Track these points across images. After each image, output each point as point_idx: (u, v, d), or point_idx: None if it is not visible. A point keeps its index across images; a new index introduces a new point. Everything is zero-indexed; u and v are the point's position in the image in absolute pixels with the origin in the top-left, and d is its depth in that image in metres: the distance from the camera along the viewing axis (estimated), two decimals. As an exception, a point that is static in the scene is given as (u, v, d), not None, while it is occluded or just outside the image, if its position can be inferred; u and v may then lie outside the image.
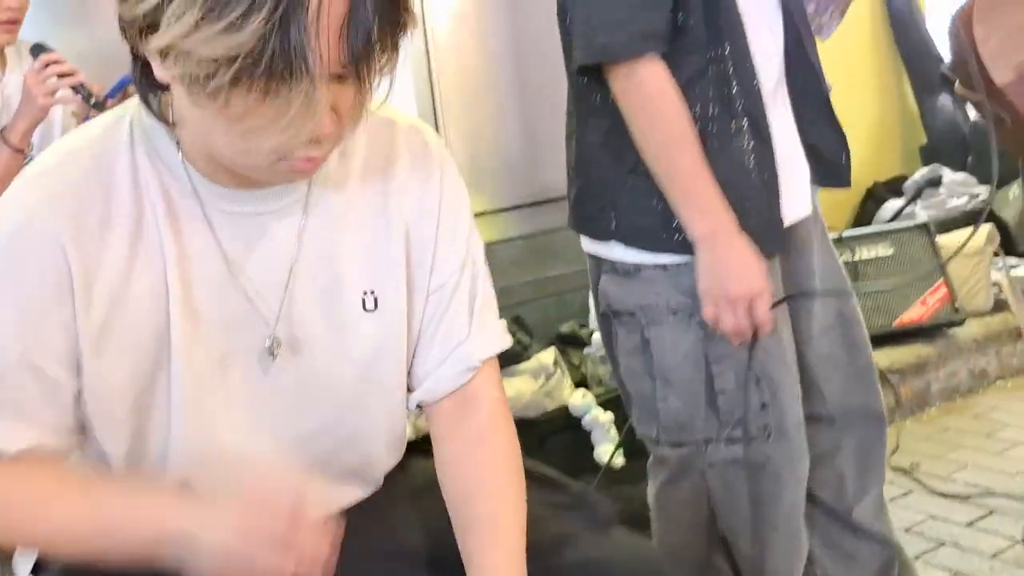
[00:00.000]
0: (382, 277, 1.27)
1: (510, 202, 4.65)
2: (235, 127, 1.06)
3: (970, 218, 4.24)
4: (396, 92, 3.26)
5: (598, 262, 1.98)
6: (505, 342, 1.36)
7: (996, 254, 3.95)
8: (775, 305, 1.86)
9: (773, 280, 1.89)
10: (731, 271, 1.80)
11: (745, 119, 1.83)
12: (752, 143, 1.84)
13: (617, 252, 1.92)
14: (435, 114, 4.56)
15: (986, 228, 3.93)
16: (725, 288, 1.80)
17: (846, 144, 2.04)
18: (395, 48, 1.08)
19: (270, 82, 1.00)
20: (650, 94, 1.78)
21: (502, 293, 1.38)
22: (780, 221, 1.88)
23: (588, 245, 1.99)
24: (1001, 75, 2.20)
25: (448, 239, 1.31)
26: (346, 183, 1.26)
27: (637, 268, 1.89)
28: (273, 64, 0.98)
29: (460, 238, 1.33)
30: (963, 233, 3.92)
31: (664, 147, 1.80)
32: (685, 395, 1.91)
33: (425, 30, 4.55)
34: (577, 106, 1.94)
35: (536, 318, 3.73)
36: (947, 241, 3.80)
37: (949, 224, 4.16)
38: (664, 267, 1.88)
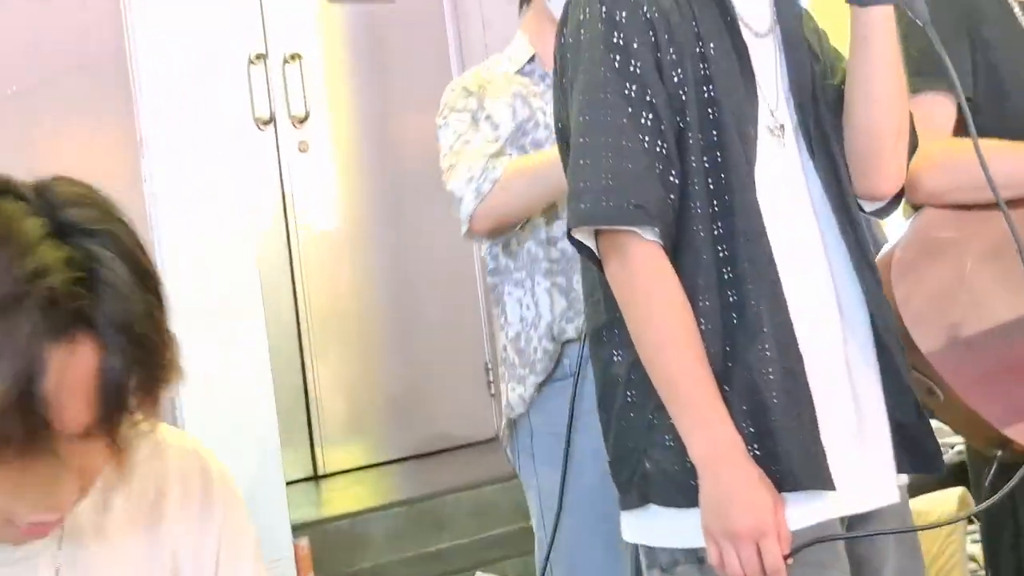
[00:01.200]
0: None
1: (390, 454, 4.65)
2: None
3: (945, 475, 4.27)
4: (242, 332, 3.23)
5: (643, 552, 1.95)
6: None
7: (971, 522, 3.98)
8: (795, 552, 1.79)
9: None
10: (734, 501, 1.77)
11: (766, 327, 1.84)
12: (774, 352, 1.84)
13: (655, 532, 1.90)
14: (301, 352, 4.61)
15: (957, 492, 3.96)
16: (727, 522, 1.77)
17: (926, 418, 2.01)
18: (155, 401, 1.13)
19: (5, 452, 1.03)
20: (643, 284, 1.82)
21: (373, 576, 1.39)
22: (819, 447, 1.85)
23: (626, 527, 1.96)
24: (926, 342, 2.26)
25: None
26: (105, 526, 1.27)
27: (674, 563, 1.87)
28: (11, 435, 1.02)
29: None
30: (934, 498, 3.95)
31: (657, 349, 1.82)
32: None
33: (291, 256, 4.62)
34: (591, 319, 1.97)
35: (411, 613, 3.68)
36: (914, 507, 3.82)
37: (919, 485, 4.19)
38: (701, 561, 1.84)
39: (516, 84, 2.66)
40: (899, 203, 2.09)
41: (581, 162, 1.85)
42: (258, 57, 4.69)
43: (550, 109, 2.59)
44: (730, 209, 1.86)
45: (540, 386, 2.61)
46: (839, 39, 2.04)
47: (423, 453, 4.70)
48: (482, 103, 2.63)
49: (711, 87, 1.87)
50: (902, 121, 2.00)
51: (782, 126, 1.94)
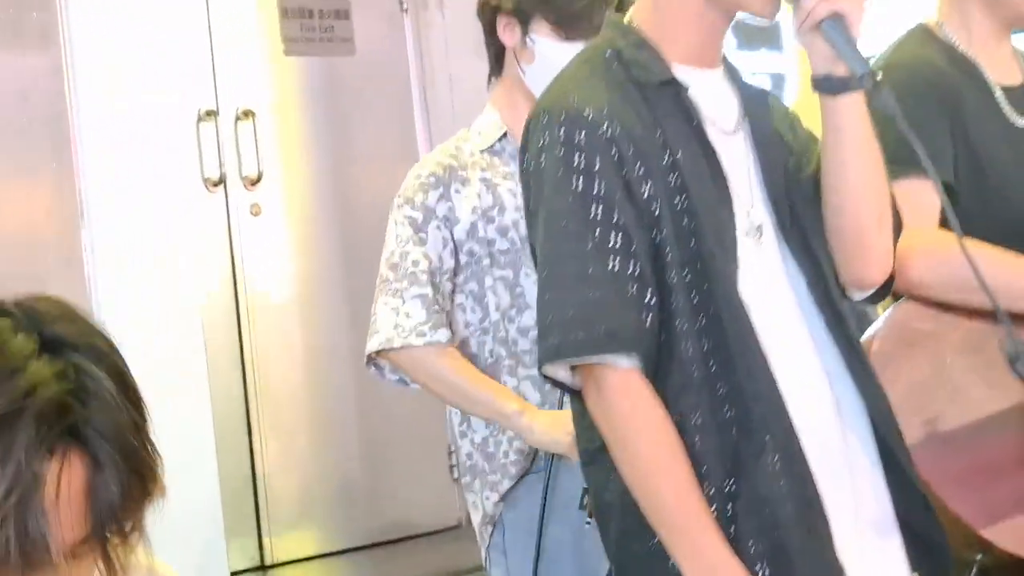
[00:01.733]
0: None
1: (344, 543, 4.69)
2: None
3: None
4: (186, 408, 3.29)
5: None
6: None
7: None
8: None
9: None
10: None
11: (770, 438, 1.93)
12: (781, 463, 1.93)
13: None
14: (249, 430, 4.68)
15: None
16: None
17: (933, 511, 2.09)
18: (142, 516, 1.28)
19: (4, 570, 1.15)
20: (623, 414, 1.90)
21: None
22: (836, 559, 1.94)
23: None
24: (905, 435, 2.37)
25: None
26: None
27: None
28: (9, 554, 1.15)
29: None
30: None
31: (643, 479, 1.91)
32: None
33: (240, 327, 4.70)
34: (582, 441, 2.06)
35: None
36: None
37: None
38: None
39: (483, 165, 2.76)
40: (890, 288, 2.18)
41: (546, 296, 1.95)
42: (208, 114, 4.75)
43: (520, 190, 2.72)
44: (717, 322, 1.95)
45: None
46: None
47: (380, 542, 4.75)
48: (448, 192, 2.73)
49: (685, 196, 1.96)
50: (883, 206, 2.09)
51: (759, 227, 2.04)
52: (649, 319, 1.92)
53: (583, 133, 1.96)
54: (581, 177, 1.95)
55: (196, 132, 4.67)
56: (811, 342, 2.04)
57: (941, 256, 2.44)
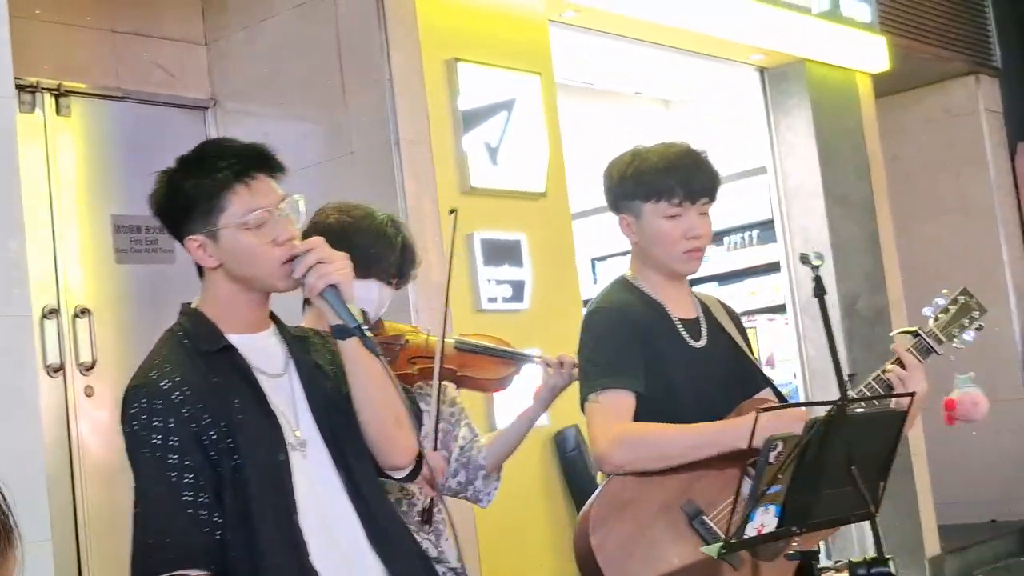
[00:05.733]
0: None
1: None
2: None
3: None
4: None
5: None
6: None
7: None
8: None
9: None
10: None
11: None
12: None
13: None
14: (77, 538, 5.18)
15: None
16: None
17: None
18: None
19: None
20: None
21: None
22: None
23: None
24: (616, 580, 3.02)
25: None
26: None
27: None
28: None
29: None
30: None
31: None
32: None
33: (74, 488, 5.18)
34: None
35: None
36: None
37: None
38: None
39: None
40: (419, 470, 2.85)
41: (135, 529, 2.56)
42: (51, 311, 5.31)
43: None
44: (254, 533, 2.55)
45: None
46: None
47: None
48: None
49: (235, 439, 2.58)
50: (398, 411, 2.76)
51: (304, 442, 2.69)
52: (219, 535, 2.55)
53: (160, 401, 2.55)
54: (160, 434, 2.53)
55: (40, 327, 5.18)
56: (349, 525, 2.71)
57: (634, 441, 3.17)
